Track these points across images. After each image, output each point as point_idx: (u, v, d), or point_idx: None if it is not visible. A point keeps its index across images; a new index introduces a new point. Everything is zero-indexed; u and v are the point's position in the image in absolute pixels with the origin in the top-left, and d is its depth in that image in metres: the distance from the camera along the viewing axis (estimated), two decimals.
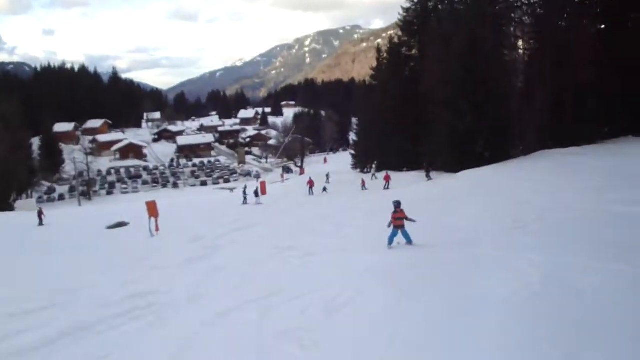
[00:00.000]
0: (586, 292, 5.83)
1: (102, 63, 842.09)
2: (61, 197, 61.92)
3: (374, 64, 49.56)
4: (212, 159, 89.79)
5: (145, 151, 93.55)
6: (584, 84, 23.51)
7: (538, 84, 25.71)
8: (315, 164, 75.54)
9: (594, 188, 13.60)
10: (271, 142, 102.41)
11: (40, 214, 26.46)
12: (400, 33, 42.59)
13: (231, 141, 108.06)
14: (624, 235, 8.48)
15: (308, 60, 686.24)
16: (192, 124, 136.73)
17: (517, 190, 15.94)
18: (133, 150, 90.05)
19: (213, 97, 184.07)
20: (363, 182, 30.37)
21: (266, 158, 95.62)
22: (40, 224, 25.66)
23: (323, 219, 16.94)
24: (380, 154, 41.12)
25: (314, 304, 6.62)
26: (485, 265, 7.61)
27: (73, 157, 63.69)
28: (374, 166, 40.13)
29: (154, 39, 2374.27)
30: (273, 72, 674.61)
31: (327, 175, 38.51)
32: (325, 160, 78.53)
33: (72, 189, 63.67)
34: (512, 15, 28.99)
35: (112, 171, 77.02)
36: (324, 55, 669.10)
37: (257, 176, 71.54)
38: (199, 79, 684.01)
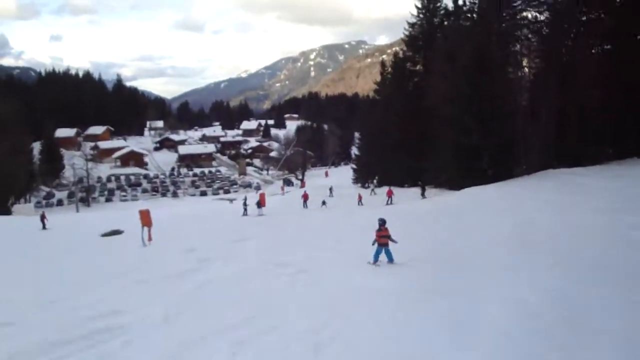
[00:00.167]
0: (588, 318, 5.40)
1: (108, 70, 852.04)
2: (59, 203, 61.60)
3: (378, 79, 49.66)
4: (213, 169, 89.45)
5: (146, 159, 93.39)
6: (589, 104, 23.25)
7: (543, 103, 25.45)
8: (317, 177, 75.32)
9: (602, 209, 13.14)
10: (273, 154, 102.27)
11: (42, 218, 26.35)
12: (405, 48, 42.65)
13: (233, 152, 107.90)
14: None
15: (313, 73, 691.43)
16: (195, 134, 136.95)
17: (521, 209, 15.48)
18: (134, 158, 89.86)
19: (216, 108, 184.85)
20: (360, 197, 29.94)
21: (267, 170, 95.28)
22: (44, 227, 25.51)
23: (320, 233, 16.56)
24: (382, 168, 40.87)
25: (298, 337, 5.93)
26: (484, 289, 7.23)
27: (73, 162, 63.47)
28: (374, 182, 39.79)
29: (160, 47, 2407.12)
30: (277, 84, 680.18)
31: (331, 189, 38.13)
32: (327, 174, 78.30)
33: (71, 195, 63.35)
34: (518, 33, 28.87)
35: (112, 178, 76.71)
36: (328, 69, 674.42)
37: (258, 188, 71.22)
38: (203, 89, 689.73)
